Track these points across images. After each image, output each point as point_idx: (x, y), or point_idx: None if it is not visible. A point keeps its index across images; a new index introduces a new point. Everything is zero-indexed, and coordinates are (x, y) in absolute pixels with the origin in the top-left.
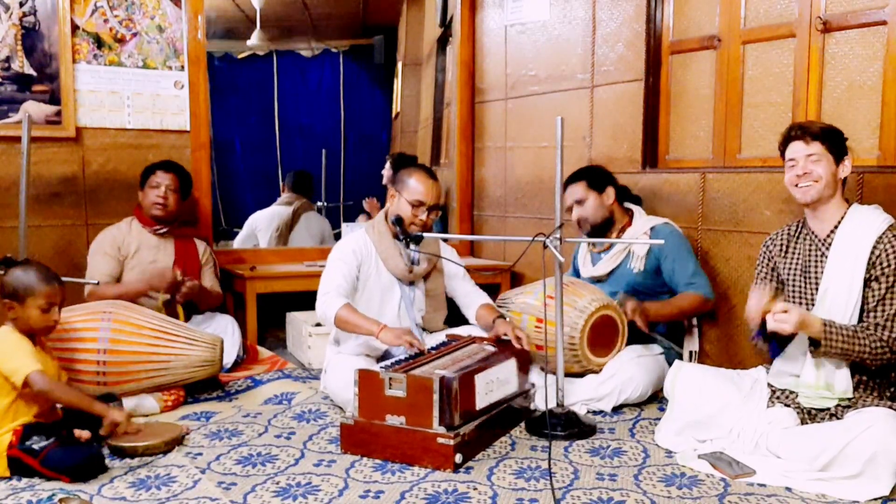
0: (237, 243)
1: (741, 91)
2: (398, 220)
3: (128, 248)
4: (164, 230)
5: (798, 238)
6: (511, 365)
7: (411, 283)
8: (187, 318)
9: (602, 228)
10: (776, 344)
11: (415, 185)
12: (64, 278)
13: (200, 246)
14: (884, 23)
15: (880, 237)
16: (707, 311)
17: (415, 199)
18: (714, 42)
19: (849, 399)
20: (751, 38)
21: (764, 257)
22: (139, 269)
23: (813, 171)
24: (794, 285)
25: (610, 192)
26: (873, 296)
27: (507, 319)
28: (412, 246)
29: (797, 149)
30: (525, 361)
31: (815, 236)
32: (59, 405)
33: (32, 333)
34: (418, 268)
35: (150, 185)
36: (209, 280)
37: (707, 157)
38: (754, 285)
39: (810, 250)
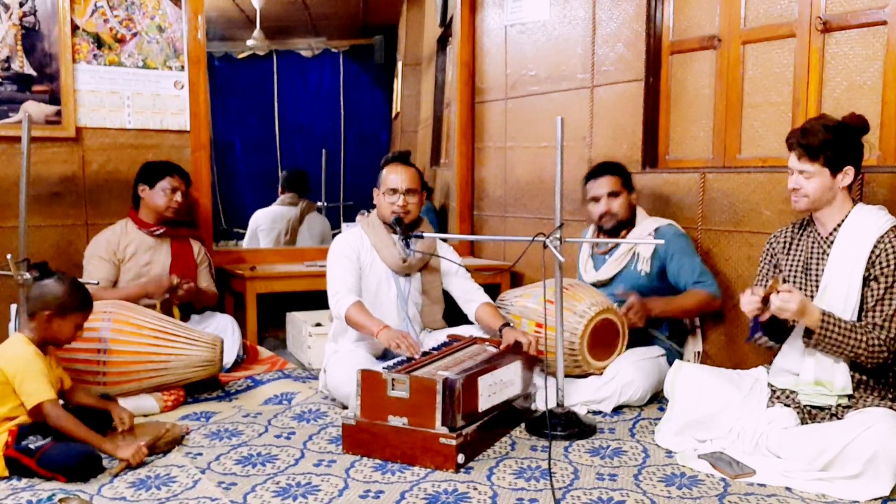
0: (245, 244)
1: (741, 91)
2: (398, 221)
3: (123, 251)
4: (162, 231)
5: (802, 235)
6: (516, 367)
7: (407, 276)
8: (185, 318)
9: (619, 228)
10: (770, 334)
11: (385, 176)
12: None
13: (195, 246)
14: (884, 23)
15: (881, 237)
16: (714, 309)
17: (388, 189)
18: (714, 42)
19: (848, 397)
20: (751, 38)
21: (767, 254)
22: (135, 271)
23: (802, 188)
24: (794, 282)
25: (634, 196)
26: (872, 295)
27: (512, 325)
28: (411, 244)
29: (792, 160)
30: (531, 364)
31: (818, 234)
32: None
33: (45, 343)
34: (411, 259)
35: (164, 187)
36: (205, 280)
37: (707, 157)
38: (756, 282)
39: (812, 247)
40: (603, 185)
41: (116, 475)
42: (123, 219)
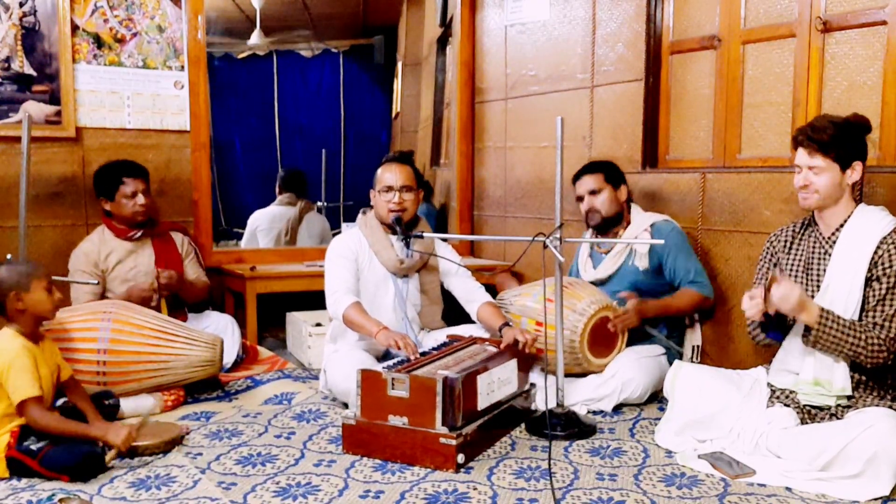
0: (243, 245)
1: (741, 91)
2: (398, 221)
3: (105, 262)
4: (139, 234)
5: (803, 235)
6: (512, 365)
7: (405, 277)
8: (177, 312)
9: (610, 224)
10: (778, 334)
11: (380, 175)
12: (64, 279)
13: (177, 238)
14: (884, 23)
15: (884, 238)
16: (706, 308)
17: (383, 187)
18: (714, 42)
19: (848, 397)
20: (751, 38)
21: (767, 252)
22: (122, 277)
23: (813, 184)
24: (795, 281)
25: (623, 191)
26: (873, 295)
27: (511, 325)
28: (411, 244)
29: (800, 157)
30: (527, 362)
31: (820, 234)
32: (58, 402)
33: (39, 322)
34: (409, 260)
35: (124, 194)
36: (193, 271)
37: (707, 157)
38: (755, 280)
39: (814, 248)
40: (584, 184)
41: (109, 461)
42: (98, 227)
